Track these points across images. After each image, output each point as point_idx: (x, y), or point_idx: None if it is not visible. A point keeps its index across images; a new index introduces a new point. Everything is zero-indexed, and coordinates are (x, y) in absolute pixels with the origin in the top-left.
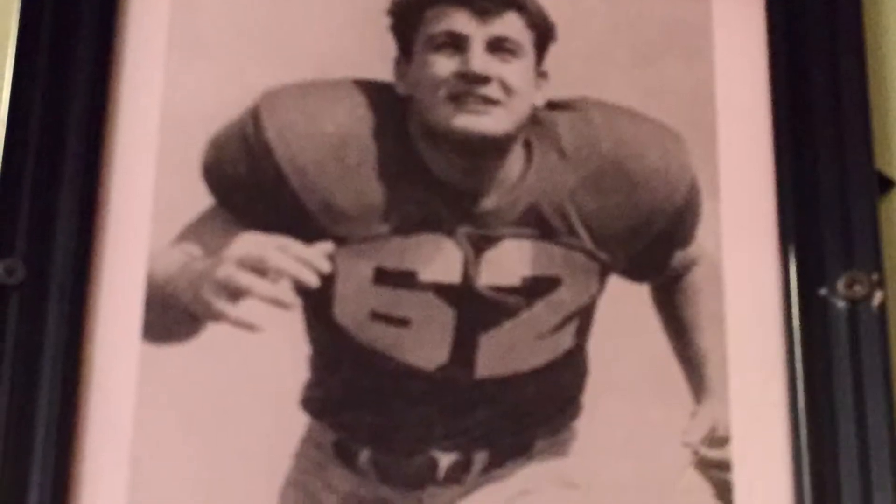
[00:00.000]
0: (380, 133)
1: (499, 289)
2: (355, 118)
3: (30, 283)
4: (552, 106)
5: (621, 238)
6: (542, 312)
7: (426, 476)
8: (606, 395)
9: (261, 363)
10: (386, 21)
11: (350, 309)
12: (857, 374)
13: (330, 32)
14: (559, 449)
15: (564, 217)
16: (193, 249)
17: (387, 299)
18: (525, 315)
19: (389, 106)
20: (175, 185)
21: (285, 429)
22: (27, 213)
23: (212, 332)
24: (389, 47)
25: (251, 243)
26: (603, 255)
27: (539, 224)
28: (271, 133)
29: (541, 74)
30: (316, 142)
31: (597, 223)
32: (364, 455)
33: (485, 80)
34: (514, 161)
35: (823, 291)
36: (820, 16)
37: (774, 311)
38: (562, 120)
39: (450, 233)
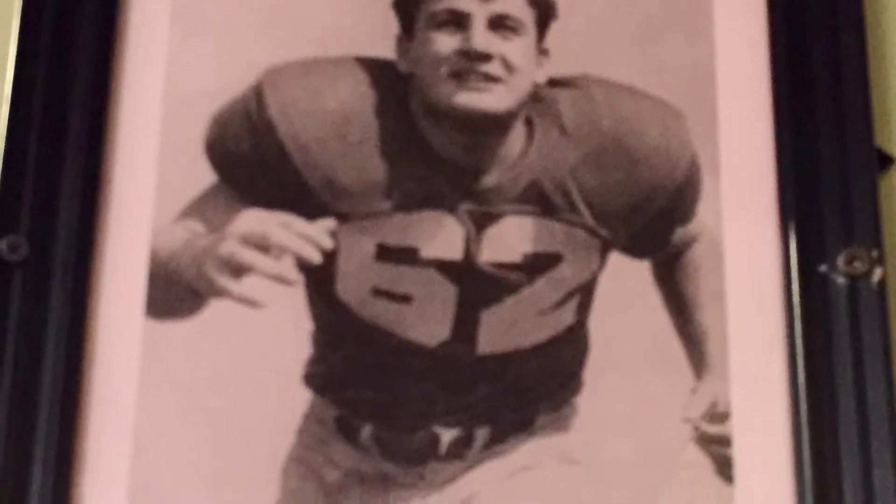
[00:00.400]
0: (382, 110)
1: (500, 265)
2: (357, 95)
3: (33, 260)
4: (553, 83)
5: (622, 215)
6: (543, 289)
7: (428, 452)
8: (607, 371)
9: (263, 339)
10: None
11: (352, 285)
12: (857, 349)
13: (332, 10)
14: (560, 425)
15: (565, 194)
16: (196, 226)
17: (389, 276)
18: (526, 291)
19: (391, 83)
20: (178, 162)
21: (288, 405)
22: (31, 190)
23: (214, 309)
24: (391, 25)
25: (254, 220)
26: (604, 232)
27: (540, 201)
28: (274, 110)
29: (542, 52)
30: (318, 119)
31: (598, 200)
32: (366, 431)
33: (486, 57)
34: (516, 138)
35: (823, 268)
36: None
37: (774, 287)
38: (563, 97)
39: (451, 209)
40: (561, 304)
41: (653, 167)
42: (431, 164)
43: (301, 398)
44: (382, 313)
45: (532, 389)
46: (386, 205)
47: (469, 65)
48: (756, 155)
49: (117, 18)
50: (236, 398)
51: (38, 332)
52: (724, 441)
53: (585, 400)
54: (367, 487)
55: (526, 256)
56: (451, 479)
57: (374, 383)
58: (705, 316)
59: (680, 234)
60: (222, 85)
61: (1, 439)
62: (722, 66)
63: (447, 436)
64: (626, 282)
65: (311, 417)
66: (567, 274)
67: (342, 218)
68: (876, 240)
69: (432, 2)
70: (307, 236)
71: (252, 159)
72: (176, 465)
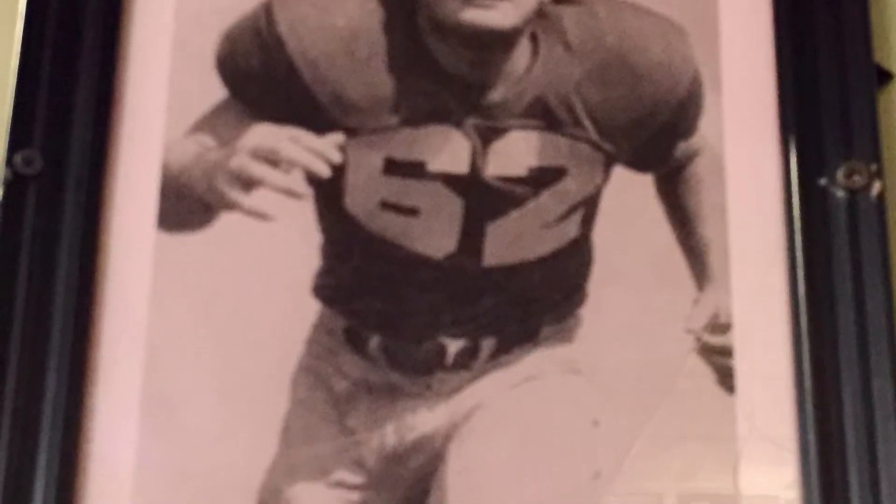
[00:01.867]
0: (389, 27)
1: (506, 179)
2: (365, 12)
3: (47, 174)
4: (558, 0)
5: (625, 129)
6: (548, 202)
7: (435, 362)
8: (611, 283)
9: (273, 251)
10: None
11: (360, 198)
12: (856, 261)
13: None
14: (565, 335)
15: (570, 109)
16: (207, 140)
17: (396, 189)
18: (531, 205)
19: (398, 0)
20: (189, 77)
21: (297, 315)
22: (45, 105)
23: (225, 221)
24: None
25: (264, 134)
26: (607, 146)
27: (545, 116)
28: (283, 27)
29: None
30: (327, 35)
31: (601, 115)
32: (374, 341)
33: None
34: (521, 54)
35: (823, 181)
36: None
37: (775, 200)
38: (567, 14)
39: (458, 124)
40: (565, 217)
41: (656, 83)
42: (438, 80)
43: (310, 309)
44: (390, 226)
45: (537, 301)
46: (393, 119)
47: None
48: (757, 71)
49: None
50: (247, 309)
51: (52, 244)
52: (726, 351)
53: (589, 311)
54: (375, 397)
55: (531, 170)
56: (458, 389)
57: (382, 294)
58: (707, 229)
59: (682, 148)
60: (233, 2)
61: (16, 349)
62: None
63: (453, 346)
64: (630, 195)
65: (320, 328)
66: (571, 187)
67: (350, 132)
68: (875, 154)
69: None
70: (316, 150)
71: (262, 75)
72: (187, 375)
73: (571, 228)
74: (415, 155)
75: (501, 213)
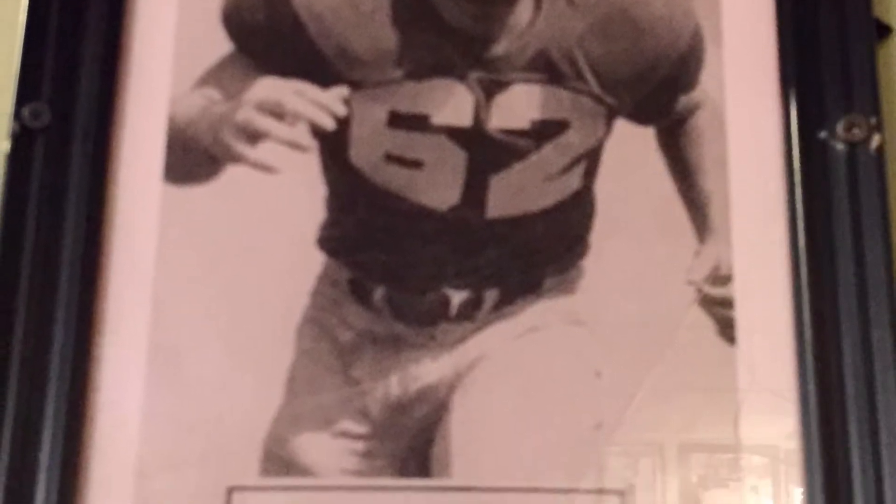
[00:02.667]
0: None
1: (509, 132)
2: None
3: (55, 127)
4: None
5: (627, 83)
6: (550, 155)
7: (438, 313)
8: (613, 235)
9: (278, 204)
10: None
11: (365, 151)
12: (856, 214)
13: None
14: (567, 287)
15: (572, 62)
16: (213, 93)
17: (400, 142)
18: (534, 157)
19: None
20: (196, 31)
21: (302, 267)
22: (52, 58)
23: (231, 174)
24: None
25: (269, 88)
26: (610, 100)
27: (548, 69)
28: None
29: None
30: None
31: (604, 68)
32: (378, 292)
33: None
34: (524, 8)
35: (823, 134)
36: None
37: (776, 153)
38: None
39: (461, 77)
40: (568, 169)
41: (657, 36)
42: (442, 33)
43: (315, 261)
44: (394, 178)
45: (539, 252)
46: (397, 73)
47: None
48: (758, 25)
49: None
50: (252, 261)
51: (60, 196)
52: (727, 303)
53: (591, 263)
54: (380, 348)
55: (534, 123)
56: (461, 340)
57: (386, 246)
58: (708, 181)
59: (683, 101)
60: None
61: (24, 301)
62: None
63: (457, 297)
64: (631, 148)
65: (325, 279)
66: (574, 140)
67: (355, 86)
68: (874, 107)
69: None
70: (321, 104)
71: (267, 29)
72: (193, 326)
73: (574, 181)
74: (419, 108)
75: (504, 165)
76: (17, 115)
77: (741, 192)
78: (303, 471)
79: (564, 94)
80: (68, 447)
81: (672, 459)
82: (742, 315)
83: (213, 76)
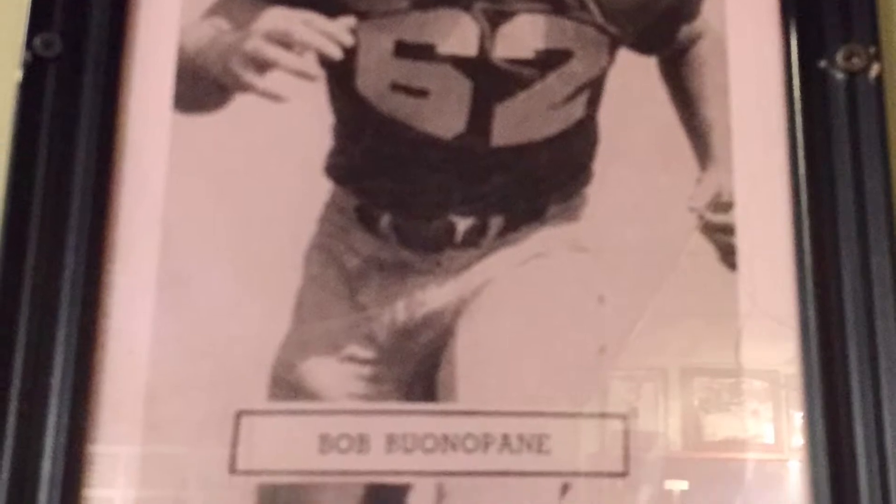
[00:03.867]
0: None
1: (513, 61)
2: None
3: (66, 56)
4: None
5: (630, 13)
6: (554, 84)
7: (444, 239)
8: (616, 163)
9: (286, 132)
10: None
11: (371, 80)
12: (855, 142)
13: None
14: (571, 214)
15: None
16: (222, 23)
17: (406, 71)
18: (538, 86)
19: None
20: None
21: (310, 194)
22: None
23: (240, 103)
24: None
25: (278, 18)
26: (612, 29)
27: None
28: None
29: None
30: None
31: None
32: (385, 219)
33: None
34: None
35: (823, 63)
36: None
37: (776, 82)
38: None
39: (466, 7)
40: (571, 98)
41: None
42: None
43: (322, 188)
44: (400, 107)
45: (544, 180)
46: (403, 3)
47: None
48: None
49: None
50: (260, 188)
51: (71, 125)
52: (728, 229)
53: (595, 190)
54: (386, 274)
55: (538, 53)
56: (467, 266)
57: (393, 174)
58: (710, 109)
59: (685, 31)
60: None
61: (35, 228)
62: None
63: (463, 224)
64: (634, 77)
65: (332, 206)
66: (577, 69)
67: (361, 16)
68: (873, 37)
69: None
70: (328, 33)
71: None
72: (203, 252)
73: (577, 109)
74: (424, 38)
75: (509, 94)
76: (29, 44)
77: (742, 120)
78: (310, 395)
79: (568, 24)
80: (79, 372)
81: (674, 384)
82: (743, 241)
83: (222, 6)
